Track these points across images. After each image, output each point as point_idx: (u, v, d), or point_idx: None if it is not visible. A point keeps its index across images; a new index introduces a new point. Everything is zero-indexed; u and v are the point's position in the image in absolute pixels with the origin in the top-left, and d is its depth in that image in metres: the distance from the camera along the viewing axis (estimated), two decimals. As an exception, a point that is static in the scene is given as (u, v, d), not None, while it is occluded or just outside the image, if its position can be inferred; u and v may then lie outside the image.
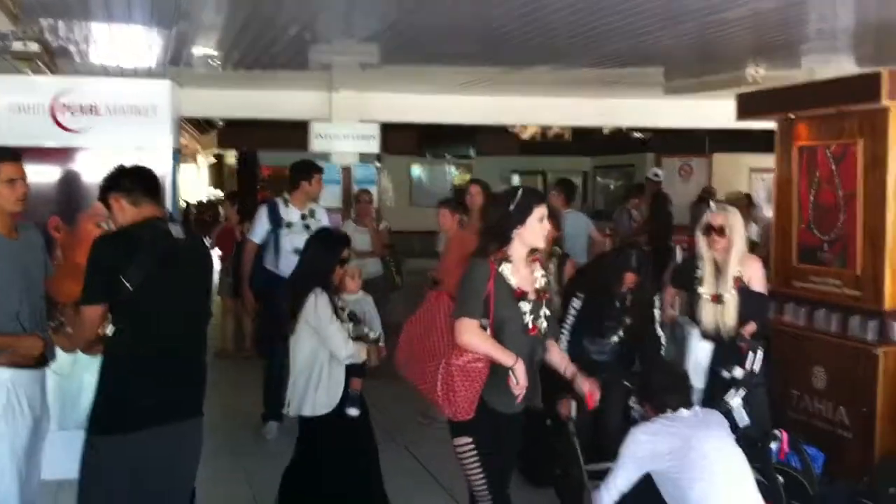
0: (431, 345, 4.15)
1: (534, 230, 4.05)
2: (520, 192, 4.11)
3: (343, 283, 5.29)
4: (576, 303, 5.43)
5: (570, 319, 5.43)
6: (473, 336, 3.94)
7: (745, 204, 10.65)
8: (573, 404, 4.83)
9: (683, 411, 4.24)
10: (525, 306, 4.04)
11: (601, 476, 4.66)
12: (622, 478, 4.17)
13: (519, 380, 3.92)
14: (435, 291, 4.50)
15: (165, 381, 3.64)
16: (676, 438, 4.11)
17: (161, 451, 3.62)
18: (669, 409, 4.25)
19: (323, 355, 4.86)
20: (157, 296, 3.61)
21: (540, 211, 4.05)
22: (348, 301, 5.30)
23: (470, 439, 4.05)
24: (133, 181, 3.78)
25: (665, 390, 4.34)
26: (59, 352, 4.24)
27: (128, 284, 3.52)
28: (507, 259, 4.04)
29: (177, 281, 3.69)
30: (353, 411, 4.98)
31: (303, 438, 5.08)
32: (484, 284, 3.96)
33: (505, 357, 3.93)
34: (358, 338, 5.01)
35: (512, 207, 4.03)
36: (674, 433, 4.14)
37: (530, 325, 4.06)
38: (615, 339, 5.39)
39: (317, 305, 4.80)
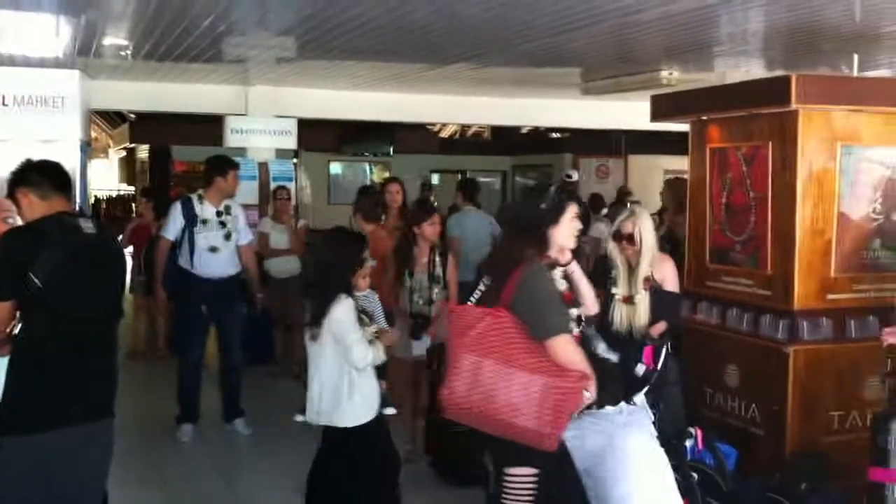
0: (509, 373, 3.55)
1: (568, 230, 3.81)
2: (552, 189, 3.87)
3: (356, 282, 5.01)
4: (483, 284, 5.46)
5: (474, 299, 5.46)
6: (577, 352, 3.62)
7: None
8: None
9: (609, 408, 4.22)
10: (574, 312, 3.82)
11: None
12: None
13: (592, 395, 3.65)
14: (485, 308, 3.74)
15: (74, 381, 3.55)
16: (602, 436, 4.12)
17: (70, 453, 3.53)
18: (595, 406, 4.26)
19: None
20: (67, 292, 3.52)
21: (573, 209, 3.82)
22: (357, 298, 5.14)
23: (535, 470, 3.69)
24: (41, 175, 3.68)
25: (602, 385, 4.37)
26: None
27: (36, 280, 3.43)
28: (554, 263, 3.79)
29: (87, 277, 3.61)
30: (391, 410, 4.90)
31: (339, 448, 4.77)
32: (557, 291, 3.71)
33: (591, 372, 3.64)
34: (376, 337, 4.82)
35: (546, 206, 3.78)
36: (599, 431, 4.16)
37: (576, 332, 3.81)
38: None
39: (342, 312, 4.62)
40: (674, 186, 11.69)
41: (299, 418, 4.85)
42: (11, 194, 3.72)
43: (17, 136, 5.88)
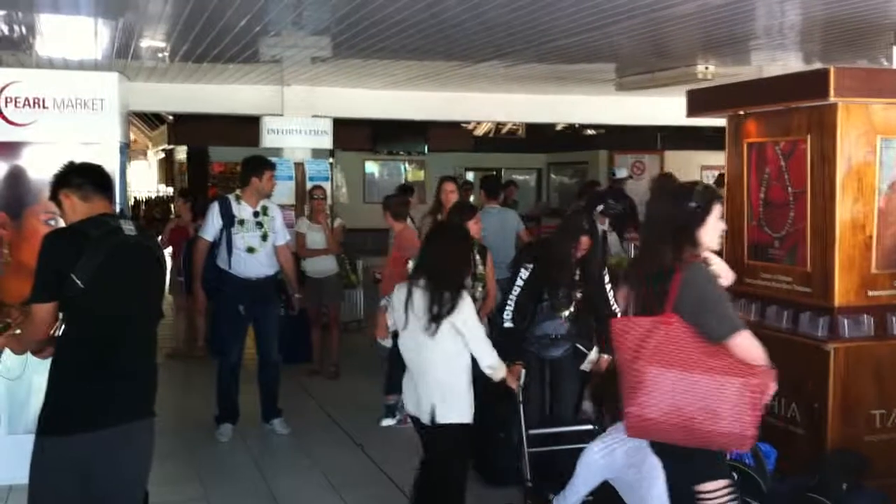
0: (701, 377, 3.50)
1: (714, 230, 3.69)
2: (699, 187, 3.78)
3: None
4: (524, 273, 5.49)
5: (516, 290, 5.50)
6: (759, 346, 3.56)
7: None
8: (522, 372, 4.98)
9: None
10: None
11: (543, 441, 4.78)
12: (581, 486, 4.21)
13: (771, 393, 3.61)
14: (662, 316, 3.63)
15: (115, 382, 3.57)
16: (632, 441, 4.10)
17: (110, 453, 3.55)
18: None
19: (466, 359, 4.66)
20: (108, 293, 3.54)
21: (719, 208, 3.71)
22: None
23: (728, 481, 3.66)
24: (83, 177, 3.71)
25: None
26: (7, 354, 4.14)
27: (78, 281, 3.45)
28: (708, 264, 3.72)
29: (128, 278, 3.63)
30: None
31: (455, 445, 4.70)
32: (722, 288, 3.66)
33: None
34: None
35: (695, 205, 3.66)
36: (621, 443, 4.19)
37: None
38: (566, 313, 5.44)
39: (469, 309, 4.62)
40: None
41: (388, 422, 4.82)
42: (54, 196, 3.75)
43: (58, 138, 5.93)
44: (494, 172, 19.62)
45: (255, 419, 7.46)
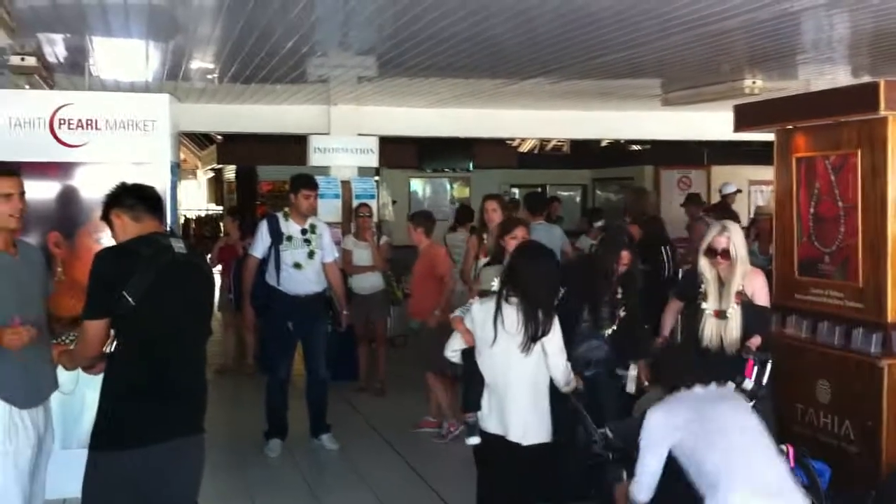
0: None
1: None
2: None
3: None
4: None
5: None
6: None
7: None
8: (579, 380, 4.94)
9: (698, 388, 4.23)
10: None
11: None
12: (649, 460, 4.20)
13: None
14: None
15: (166, 398, 3.62)
16: (690, 410, 4.13)
17: (161, 469, 3.59)
18: (683, 388, 4.24)
19: (548, 378, 4.69)
20: (159, 311, 3.58)
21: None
22: None
23: None
24: (135, 197, 3.76)
25: (677, 369, 4.35)
26: (60, 370, 4.21)
27: (129, 299, 3.49)
28: None
29: (178, 296, 3.67)
30: None
31: (540, 464, 4.69)
32: None
33: None
34: None
35: None
36: (688, 406, 4.16)
37: None
38: (608, 332, 5.40)
39: (559, 330, 4.66)
40: (634, 196, 11.49)
41: (473, 441, 4.68)
42: (105, 216, 3.80)
43: (110, 158, 6.05)
44: (539, 189, 19.63)
45: (303, 435, 7.50)
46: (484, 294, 5.18)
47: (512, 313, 4.59)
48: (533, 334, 4.56)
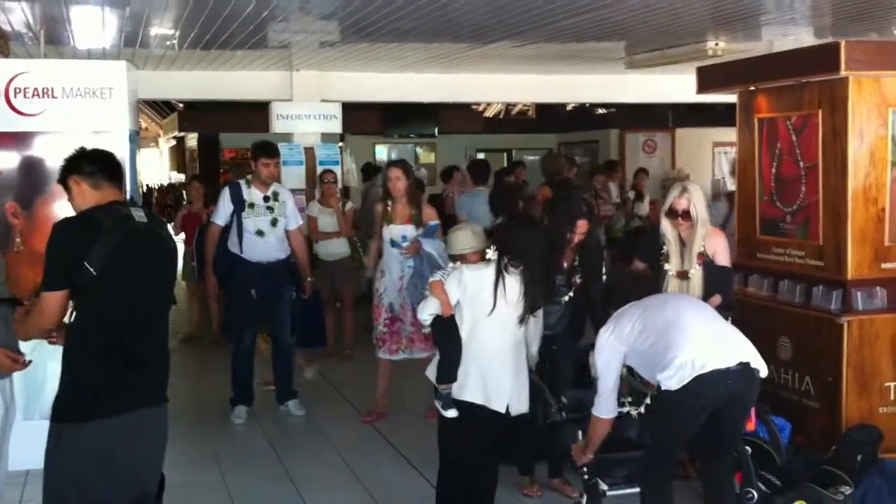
0: None
1: None
2: None
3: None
4: None
5: None
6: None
7: None
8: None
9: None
10: None
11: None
12: (606, 377, 4.47)
13: None
14: None
15: (128, 369, 3.58)
16: (633, 310, 4.51)
17: (125, 439, 3.57)
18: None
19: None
20: (120, 281, 3.54)
21: None
22: None
23: None
24: (94, 164, 3.69)
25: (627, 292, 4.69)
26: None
27: (91, 269, 3.44)
28: None
29: (140, 266, 3.62)
30: None
31: (507, 435, 4.78)
32: None
33: None
34: None
35: None
36: (632, 312, 4.50)
37: None
38: (565, 299, 5.41)
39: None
40: (548, 160, 11.67)
41: (451, 414, 4.58)
42: (63, 181, 3.73)
43: (67, 127, 5.95)
44: (505, 154, 19.62)
45: (270, 402, 7.51)
46: (453, 259, 5.15)
47: (514, 284, 4.55)
48: (531, 305, 4.58)
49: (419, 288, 6.55)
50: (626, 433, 4.82)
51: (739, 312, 5.74)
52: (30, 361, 3.97)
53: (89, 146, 3.81)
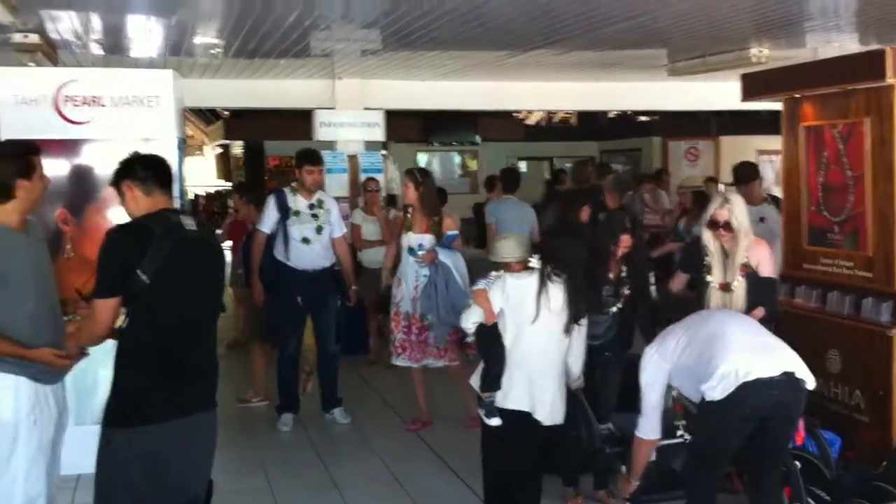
0: None
1: None
2: None
3: None
4: None
5: None
6: None
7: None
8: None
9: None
10: None
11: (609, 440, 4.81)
12: (650, 395, 4.45)
13: None
14: None
15: (178, 375, 3.63)
16: (677, 328, 4.50)
17: (174, 445, 3.61)
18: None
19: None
20: (171, 288, 3.58)
21: None
22: None
23: None
24: (147, 170, 3.73)
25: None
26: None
27: (143, 277, 3.49)
28: None
29: (190, 273, 3.67)
30: None
31: (548, 445, 4.79)
32: None
33: None
34: None
35: None
36: (676, 331, 4.50)
37: None
38: (613, 310, 5.40)
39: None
40: (578, 167, 11.62)
41: (495, 422, 4.61)
42: (116, 185, 3.76)
43: (115, 135, 6.04)
44: (547, 161, 19.57)
45: (315, 409, 7.55)
46: (497, 266, 5.14)
47: (557, 293, 4.56)
48: (575, 315, 4.59)
49: (432, 298, 6.59)
50: (671, 462, 4.78)
51: (786, 324, 5.69)
52: (86, 353, 3.97)
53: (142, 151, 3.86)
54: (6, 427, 3.87)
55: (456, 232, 7.05)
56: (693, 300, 5.32)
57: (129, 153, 3.82)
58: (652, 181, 12.71)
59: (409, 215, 7.07)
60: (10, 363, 3.85)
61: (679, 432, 4.74)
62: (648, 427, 4.51)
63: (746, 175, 7.78)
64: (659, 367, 4.45)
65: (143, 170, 3.72)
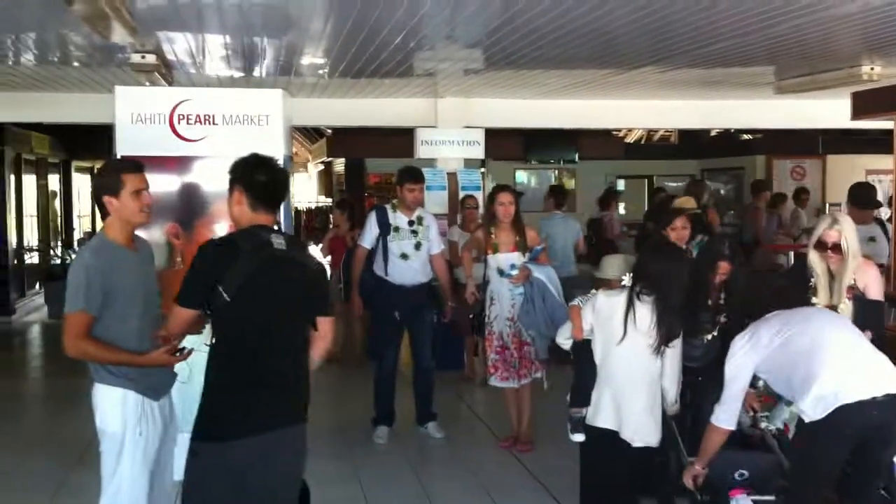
0: None
1: None
2: None
3: None
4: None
5: None
6: None
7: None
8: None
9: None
10: None
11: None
12: (734, 388, 4.37)
13: None
14: None
15: (261, 391, 3.64)
16: (775, 321, 4.35)
17: (260, 459, 3.62)
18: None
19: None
20: (253, 307, 3.60)
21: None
22: None
23: None
24: (264, 189, 3.73)
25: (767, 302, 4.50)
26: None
27: (224, 294, 3.53)
28: None
29: (273, 292, 3.66)
30: None
31: (640, 466, 4.74)
32: None
33: None
34: None
35: None
36: (770, 323, 4.36)
37: None
38: (708, 337, 5.31)
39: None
40: (692, 186, 11.43)
41: (578, 438, 4.66)
42: (231, 186, 3.77)
43: (226, 152, 6.21)
44: (646, 180, 19.37)
45: (410, 423, 7.63)
46: (600, 283, 5.12)
47: (646, 312, 4.52)
48: (666, 336, 4.52)
49: (531, 315, 6.56)
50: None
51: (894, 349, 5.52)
52: (189, 351, 3.99)
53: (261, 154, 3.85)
54: (113, 438, 4.03)
55: (542, 246, 7.05)
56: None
57: (250, 153, 3.82)
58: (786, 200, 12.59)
59: (492, 235, 7.03)
60: (119, 377, 4.01)
61: (763, 424, 4.66)
62: (724, 416, 4.41)
63: (864, 200, 7.41)
64: (748, 358, 4.36)
65: (260, 187, 3.72)
